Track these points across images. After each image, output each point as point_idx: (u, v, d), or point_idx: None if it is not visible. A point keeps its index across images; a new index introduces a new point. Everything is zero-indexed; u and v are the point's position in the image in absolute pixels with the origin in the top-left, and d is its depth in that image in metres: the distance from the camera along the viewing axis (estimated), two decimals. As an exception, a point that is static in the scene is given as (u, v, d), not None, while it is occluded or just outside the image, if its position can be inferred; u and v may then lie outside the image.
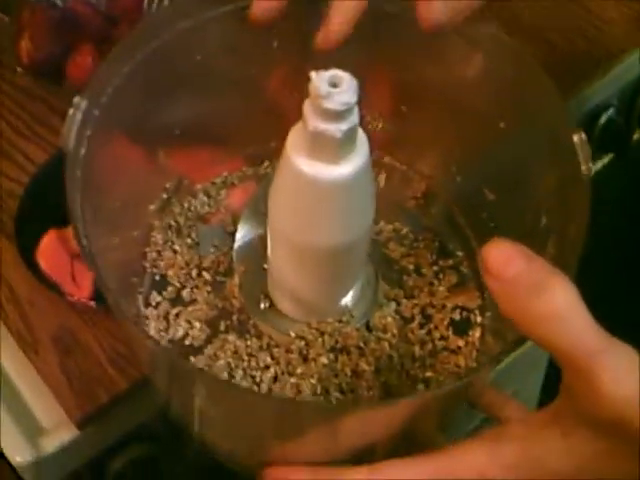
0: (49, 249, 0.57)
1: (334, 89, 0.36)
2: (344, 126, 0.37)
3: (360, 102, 0.37)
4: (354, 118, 0.37)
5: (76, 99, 0.40)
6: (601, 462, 0.35)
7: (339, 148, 0.38)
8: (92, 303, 0.55)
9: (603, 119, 0.76)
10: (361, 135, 0.39)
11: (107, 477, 0.60)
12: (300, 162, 0.39)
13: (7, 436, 0.53)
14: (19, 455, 0.52)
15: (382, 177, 0.54)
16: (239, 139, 0.53)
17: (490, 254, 0.35)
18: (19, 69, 0.66)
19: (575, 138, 0.39)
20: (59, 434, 0.53)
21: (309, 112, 0.37)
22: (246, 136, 0.53)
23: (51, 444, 0.53)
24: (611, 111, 0.76)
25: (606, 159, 0.83)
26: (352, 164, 0.38)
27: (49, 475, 0.55)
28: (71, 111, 0.40)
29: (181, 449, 0.63)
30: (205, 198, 0.53)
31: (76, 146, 0.40)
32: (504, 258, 0.35)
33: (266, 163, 0.54)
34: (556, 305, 0.33)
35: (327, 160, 0.38)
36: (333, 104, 0.36)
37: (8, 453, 0.52)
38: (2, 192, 0.62)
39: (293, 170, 0.39)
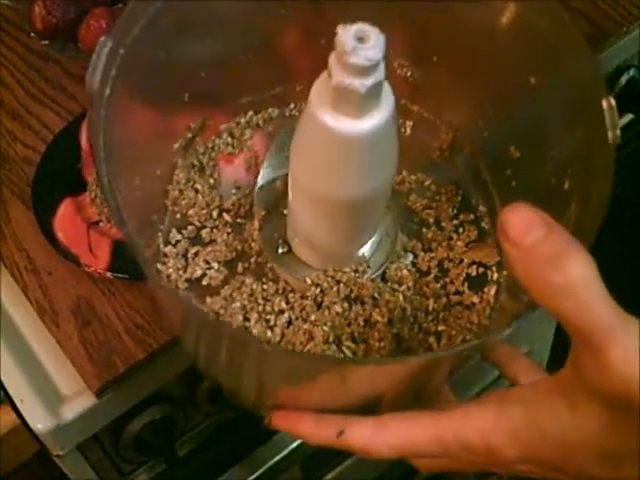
0: (66, 219, 0.57)
1: (360, 44, 0.35)
2: (369, 81, 0.36)
3: (391, 48, 0.36)
4: (380, 74, 0.36)
5: (102, 38, 0.39)
6: (605, 437, 0.35)
7: (363, 103, 0.37)
8: (109, 274, 0.55)
9: (623, 80, 0.74)
10: (387, 90, 0.38)
11: (125, 439, 0.62)
12: (323, 114, 0.38)
13: (28, 405, 0.55)
14: (40, 423, 0.55)
15: (409, 125, 0.53)
16: (266, 80, 0.52)
17: (510, 219, 0.34)
18: (33, 34, 0.66)
19: (604, 104, 0.38)
20: (78, 402, 0.55)
21: (334, 65, 0.36)
22: (273, 77, 0.52)
23: (70, 412, 0.55)
24: (632, 72, 0.74)
25: (625, 120, 0.81)
26: (375, 120, 0.38)
27: (69, 440, 0.57)
28: (97, 50, 0.39)
29: (194, 410, 0.64)
30: (229, 138, 0.52)
31: (101, 86, 0.40)
32: (524, 225, 0.34)
33: (292, 105, 0.53)
34: (571, 278, 0.33)
35: (350, 114, 0.38)
36: (358, 59, 0.35)
37: (30, 421, 0.54)
38: (18, 159, 0.62)
39: (315, 122, 0.39)
